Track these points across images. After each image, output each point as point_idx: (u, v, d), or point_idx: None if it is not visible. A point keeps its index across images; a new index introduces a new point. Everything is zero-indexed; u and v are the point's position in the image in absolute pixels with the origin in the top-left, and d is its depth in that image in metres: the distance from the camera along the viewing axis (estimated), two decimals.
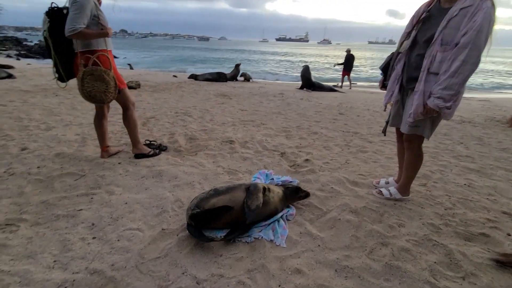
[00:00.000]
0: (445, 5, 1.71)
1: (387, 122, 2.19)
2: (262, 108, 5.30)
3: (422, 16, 1.83)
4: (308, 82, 8.50)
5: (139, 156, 2.68)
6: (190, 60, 30.26)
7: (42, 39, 2.29)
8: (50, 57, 2.32)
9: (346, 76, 10.87)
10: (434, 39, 1.70)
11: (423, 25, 1.81)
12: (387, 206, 2.01)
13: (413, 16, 1.92)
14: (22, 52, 23.38)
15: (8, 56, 19.55)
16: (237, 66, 10.03)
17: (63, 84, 2.42)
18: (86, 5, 2.13)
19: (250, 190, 1.72)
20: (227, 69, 10.34)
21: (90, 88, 2.27)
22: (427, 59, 1.73)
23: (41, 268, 1.38)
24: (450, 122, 4.75)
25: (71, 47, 2.31)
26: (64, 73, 2.37)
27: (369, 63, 30.71)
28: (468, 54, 1.57)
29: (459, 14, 1.61)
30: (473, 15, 1.55)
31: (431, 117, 1.80)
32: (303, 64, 8.97)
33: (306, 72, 8.55)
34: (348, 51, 10.62)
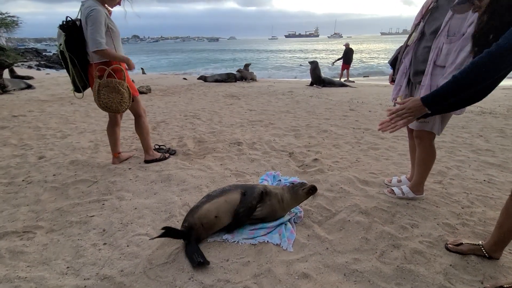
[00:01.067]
0: None
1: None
2: (270, 107, 5.27)
3: (431, 6, 1.74)
4: (317, 79, 8.37)
5: (150, 162, 2.73)
6: (200, 62, 30.60)
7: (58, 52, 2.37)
8: (67, 70, 2.38)
9: (345, 70, 10.88)
10: (440, 30, 1.62)
11: (431, 16, 1.74)
12: (399, 206, 1.94)
13: (422, 7, 1.84)
14: (42, 62, 24.47)
15: (29, 67, 20.53)
16: (246, 66, 10.03)
17: (80, 95, 2.50)
18: (101, 18, 2.18)
19: (245, 196, 1.69)
20: (237, 69, 10.26)
21: (107, 100, 2.35)
22: (434, 51, 1.67)
23: (55, 275, 1.43)
24: (468, 114, 4.53)
25: (86, 58, 2.37)
26: (80, 84, 2.45)
27: (381, 56, 29.83)
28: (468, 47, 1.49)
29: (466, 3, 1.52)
30: None
31: None
32: (311, 60, 8.82)
33: (315, 68, 8.41)
34: (346, 45, 10.68)
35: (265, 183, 2.25)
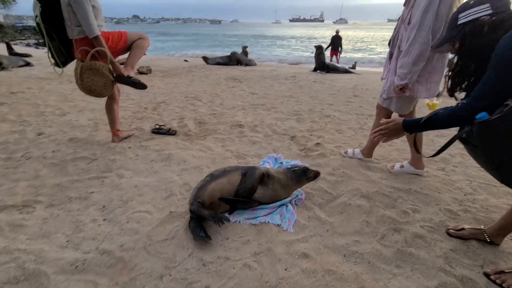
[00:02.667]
0: None
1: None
2: (273, 91, 5.18)
3: None
4: (322, 64, 8.19)
5: (118, 78, 2.42)
6: (202, 44, 29.92)
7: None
8: (44, 43, 2.30)
9: (334, 56, 10.96)
10: (405, 17, 1.79)
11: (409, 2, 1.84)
12: (401, 191, 1.92)
13: None
14: (40, 40, 23.97)
15: (27, 45, 20.11)
16: (244, 48, 9.84)
17: (59, 70, 2.40)
18: (85, 1, 2.10)
19: (245, 177, 1.67)
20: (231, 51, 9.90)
21: (90, 83, 2.28)
22: (400, 37, 1.86)
23: (55, 248, 1.43)
24: None
25: (65, 32, 2.27)
26: (60, 59, 2.36)
27: (386, 44, 29.16)
28: (416, 33, 1.68)
29: None
30: None
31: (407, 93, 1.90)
32: (317, 44, 8.60)
33: (320, 54, 8.22)
34: (336, 31, 10.87)
35: (267, 165, 2.22)
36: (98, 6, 2.27)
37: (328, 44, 10.81)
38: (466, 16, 1.20)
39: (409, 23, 1.77)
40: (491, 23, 1.12)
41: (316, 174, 1.83)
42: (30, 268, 1.28)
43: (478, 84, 1.14)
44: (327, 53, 10.71)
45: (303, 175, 1.78)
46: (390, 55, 2.02)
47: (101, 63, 2.26)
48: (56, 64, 2.39)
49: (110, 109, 2.62)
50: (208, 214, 1.51)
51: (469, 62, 1.22)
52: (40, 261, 1.33)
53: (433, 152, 1.31)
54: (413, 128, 1.36)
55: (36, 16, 2.16)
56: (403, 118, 1.40)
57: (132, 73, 2.48)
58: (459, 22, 1.22)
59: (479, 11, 1.16)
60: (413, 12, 1.74)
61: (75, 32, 2.22)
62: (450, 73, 1.30)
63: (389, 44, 2.09)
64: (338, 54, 10.94)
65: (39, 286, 1.21)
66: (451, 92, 1.32)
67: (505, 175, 1.20)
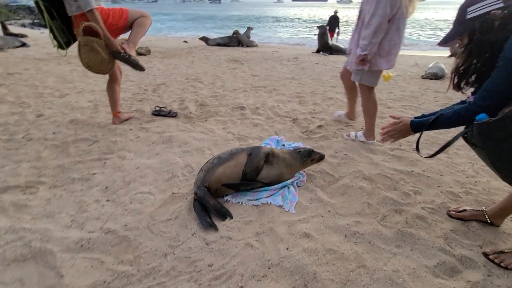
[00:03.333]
0: None
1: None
2: (275, 73, 5.07)
3: None
4: (325, 45, 7.97)
5: (114, 54, 2.32)
6: (202, 25, 29.03)
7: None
8: (44, 23, 2.22)
9: (331, 37, 10.43)
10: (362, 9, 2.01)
11: None
12: (403, 173, 1.92)
13: None
14: (36, 21, 23.27)
15: (22, 25, 19.56)
16: (249, 29, 9.50)
17: (63, 52, 2.34)
18: None
19: (251, 156, 1.66)
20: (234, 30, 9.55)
21: (87, 59, 2.23)
22: (363, 12, 2.02)
23: (60, 227, 1.45)
24: None
25: (65, 10, 2.17)
26: (63, 39, 2.28)
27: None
28: (375, 6, 1.85)
29: None
30: None
31: (367, 66, 2.07)
32: (319, 25, 8.30)
33: (323, 34, 7.97)
34: (335, 12, 10.55)
35: (268, 146, 2.21)
36: None
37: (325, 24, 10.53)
38: (475, 10, 1.12)
39: (365, 15, 1.95)
40: (502, 17, 1.05)
41: (321, 157, 1.86)
42: (36, 247, 1.31)
43: (485, 83, 1.11)
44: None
45: (308, 157, 1.80)
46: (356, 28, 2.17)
47: (95, 39, 2.18)
48: (60, 46, 2.31)
49: (111, 90, 2.58)
50: (213, 205, 1.51)
51: (478, 59, 1.17)
52: (46, 240, 1.36)
53: (432, 152, 1.30)
54: (421, 128, 1.35)
55: None
56: (410, 119, 1.40)
57: (134, 52, 2.40)
58: (468, 17, 1.15)
59: (490, 4, 1.09)
60: (365, 7, 1.95)
61: (74, 7, 2.12)
62: (457, 68, 1.25)
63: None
64: (335, 35, 10.70)
65: (45, 264, 1.24)
66: (458, 88, 1.28)
67: (505, 174, 1.20)
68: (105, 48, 2.24)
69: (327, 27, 8.29)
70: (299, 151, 1.81)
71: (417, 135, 1.40)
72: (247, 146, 2.27)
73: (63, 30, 2.27)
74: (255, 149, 1.71)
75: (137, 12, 2.39)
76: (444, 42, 1.31)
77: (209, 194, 1.55)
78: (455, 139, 1.19)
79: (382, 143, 1.68)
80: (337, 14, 10.48)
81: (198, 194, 1.55)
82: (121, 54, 2.29)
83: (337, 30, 10.60)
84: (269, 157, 1.70)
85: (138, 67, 2.40)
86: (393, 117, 1.48)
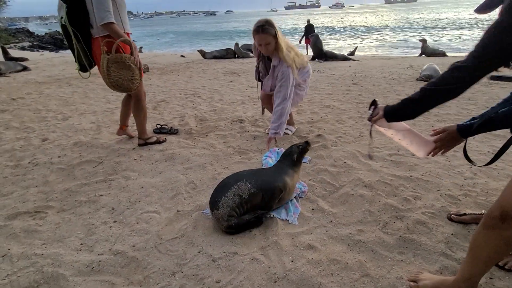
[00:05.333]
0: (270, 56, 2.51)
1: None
2: None
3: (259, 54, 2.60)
4: (319, 52, 8.11)
5: (143, 145, 2.65)
6: (198, 38, 29.55)
7: (59, 27, 2.20)
8: (70, 46, 2.23)
9: (308, 44, 11.08)
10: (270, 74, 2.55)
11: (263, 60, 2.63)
12: (402, 179, 1.96)
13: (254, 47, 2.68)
14: (35, 43, 23.79)
15: (22, 48, 19.98)
16: (247, 46, 9.80)
17: (86, 74, 2.36)
18: None
19: (264, 200, 1.63)
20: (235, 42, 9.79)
21: (117, 77, 2.18)
22: (276, 80, 2.50)
23: (70, 251, 1.49)
24: (475, 85, 4.42)
25: (89, 32, 2.21)
26: (86, 62, 2.32)
27: (387, 29, 28.60)
28: (283, 102, 2.41)
29: (274, 72, 2.49)
30: (279, 76, 2.43)
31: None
32: (310, 35, 8.51)
33: (316, 42, 8.13)
34: (308, 21, 11.29)
35: (269, 160, 2.26)
36: (122, 1, 2.19)
37: (303, 34, 11.24)
38: None
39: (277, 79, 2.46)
40: None
41: (305, 147, 1.91)
42: (48, 272, 1.34)
43: None
44: (302, 42, 11.36)
45: (297, 154, 1.83)
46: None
47: (127, 55, 2.18)
48: (82, 68, 2.34)
49: (125, 103, 2.66)
50: (249, 217, 1.53)
51: None
52: (58, 264, 1.40)
53: (486, 162, 1.18)
54: (469, 131, 1.23)
55: (62, 18, 2.10)
56: (456, 125, 1.29)
57: (149, 138, 2.69)
58: None
59: None
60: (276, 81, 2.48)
61: (101, 30, 2.14)
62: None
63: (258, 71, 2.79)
64: (309, 41, 11.37)
65: None
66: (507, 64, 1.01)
67: None
68: (138, 64, 2.25)
69: (318, 35, 8.47)
70: (289, 157, 1.82)
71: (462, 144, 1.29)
72: (249, 160, 2.32)
73: (86, 53, 2.31)
74: (269, 192, 1.64)
75: (143, 87, 2.51)
76: (482, 9, 1.09)
77: (238, 217, 1.54)
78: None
79: (432, 157, 1.52)
80: (310, 22, 11.17)
81: (234, 225, 1.52)
82: (149, 143, 2.65)
83: (308, 39, 11.27)
84: (282, 193, 1.68)
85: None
86: (435, 130, 1.37)
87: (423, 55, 8.88)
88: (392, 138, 1.42)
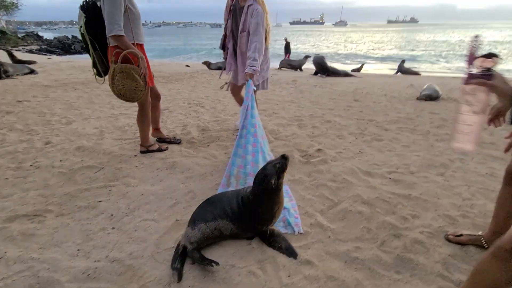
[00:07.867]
0: (242, 4, 2.52)
1: (226, 83, 3.03)
2: (274, 96, 5.24)
3: (231, 9, 2.63)
4: (321, 67, 8.26)
5: (145, 152, 2.68)
6: (203, 48, 30.08)
7: (78, 34, 2.32)
8: (88, 53, 2.35)
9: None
10: (240, 28, 2.55)
11: (233, 16, 2.63)
12: (401, 197, 1.97)
13: (226, 7, 2.71)
14: (43, 47, 24.26)
15: (30, 51, 20.36)
16: (306, 57, 10.21)
17: (101, 80, 2.46)
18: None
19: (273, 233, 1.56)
20: None
21: (120, 86, 2.25)
22: (239, 41, 2.61)
23: (67, 256, 1.49)
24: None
25: (106, 41, 2.31)
26: (102, 68, 2.42)
27: (388, 46, 29.05)
28: (257, 38, 2.41)
29: (248, 11, 2.46)
30: (253, 13, 2.43)
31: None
32: (314, 56, 8.77)
33: (319, 59, 8.29)
34: (285, 39, 13.59)
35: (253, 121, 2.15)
36: (136, 11, 2.26)
37: (285, 51, 13.20)
38: None
39: (245, 31, 2.53)
40: None
41: (284, 163, 1.49)
42: (44, 277, 1.34)
43: None
44: (286, 57, 12.80)
45: (275, 178, 1.44)
46: (234, 52, 2.74)
47: (132, 66, 2.25)
48: (98, 74, 2.45)
49: (154, 108, 2.77)
50: (202, 259, 1.40)
51: None
52: (54, 270, 1.39)
53: None
54: None
55: (81, 27, 2.20)
56: None
57: (150, 145, 2.73)
58: None
59: None
60: (248, 23, 2.49)
61: (111, 41, 2.23)
62: None
63: (220, 47, 2.90)
64: (288, 56, 13.13)
65: None
66: None
67: None
68: (143, 77, 2.31)
69: (322, 57, 8.66)
70: (259, 186, 1.48)
71: None
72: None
73: (102, 59, 2.41)
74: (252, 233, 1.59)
75: (149, 96, 2.60)
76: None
77: (196, 250, 1.45)
78: None
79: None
80: (288, 41, 13.30)
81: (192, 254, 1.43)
82: (150, 150, 2.71)
83: (288, 54, 13.21)
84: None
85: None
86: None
87: (399, 73, 10.55)
88: (459, 114, 1.13)
